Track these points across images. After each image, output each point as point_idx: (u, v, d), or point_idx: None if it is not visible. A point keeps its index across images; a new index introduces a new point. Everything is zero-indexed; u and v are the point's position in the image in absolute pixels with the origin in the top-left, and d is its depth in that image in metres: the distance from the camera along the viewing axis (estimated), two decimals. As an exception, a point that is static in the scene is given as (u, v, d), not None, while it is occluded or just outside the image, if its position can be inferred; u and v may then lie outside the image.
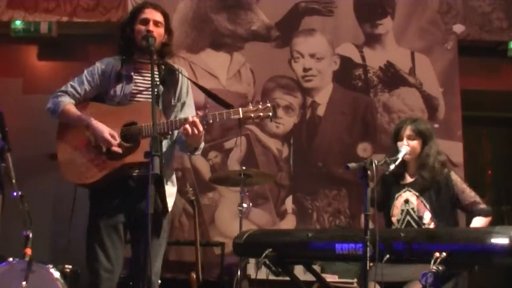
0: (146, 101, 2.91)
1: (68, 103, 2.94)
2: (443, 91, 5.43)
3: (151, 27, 2.92)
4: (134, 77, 2.96)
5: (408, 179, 3.48)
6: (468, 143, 5.59)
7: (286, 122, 5.43)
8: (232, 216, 4.81)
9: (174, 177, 3.04)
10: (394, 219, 3.46)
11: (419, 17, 5.55)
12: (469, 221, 3.46)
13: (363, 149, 5.37)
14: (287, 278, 3.20)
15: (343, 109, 5.45)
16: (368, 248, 2.52)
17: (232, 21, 5.56)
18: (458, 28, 5.53)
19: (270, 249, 2.94)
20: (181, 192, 5.16)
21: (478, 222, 3.33)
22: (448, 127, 5.35)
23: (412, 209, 3.41)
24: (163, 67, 3.00)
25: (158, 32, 2.94)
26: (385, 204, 3.51)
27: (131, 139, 2.84)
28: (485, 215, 3.34)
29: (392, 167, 3.11)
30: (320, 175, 5.34)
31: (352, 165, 2.67)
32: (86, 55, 5.53)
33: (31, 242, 3.24)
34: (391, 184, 3.51)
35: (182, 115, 2.98)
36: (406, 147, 3.36)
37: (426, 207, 3.38)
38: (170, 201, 2.93)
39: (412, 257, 2.60)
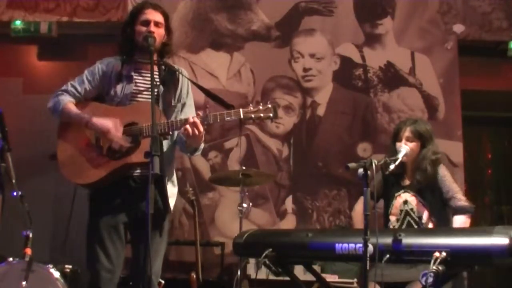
0: (146, 101, 2.90)
1: (68, 102, 2.93)
2: (443, 91, 5.43)
3: (152, 28, 2.93)
4: (135, 77, 2.96)
5: (407, 180, 3.48)
6: (468, 143, 5.59)
7: (286, 122, 5.43)
8: (232, 216, 4.81)
9: (175, 178, 3.04)
10: (393, 218, 3.47)
11: (419, 17, 5.55)
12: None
13: (363, 149, 5.36)
14: (287, 278, 3.19)
15: (343, 109, 5.45)
16: (368, 248, 2.52)
17: (232, 21, 5.56)
18: (458, 28, 5.52)
19: (270, 249, 2.94)
20: (181, 192, 5.15)
21: (457, 222, 3.31)
22: (448, 127, 5.35)
23: (412, 209, 3.42)
24: (163, 67, 3.00)
25: (159, 33, 2.94)
26: (383, 197, 3.52)
27: (132, 139, 2.84)
28: (464, 213, 3.32)
29: (392, 167, 3.12)
30: (320, 175, 5.34)
31: (352, 165, 2.68)
32: (86, 55, 5.53)
33: (31, 242, 3.24)
34: (391, 183, 3.52)
35: (182, 116, 2.98)
36: (406, 147, 3.36)
37: (425, 206, 3.39)
38: (171, 201, 2.94)
39: (412, 257, 2.60)
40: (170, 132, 2.88)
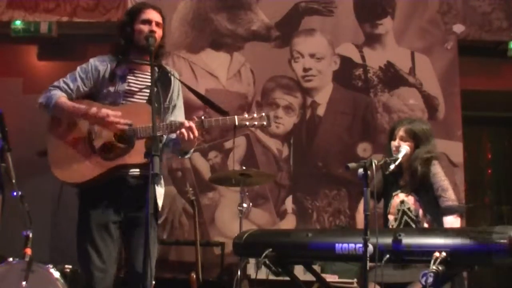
0: (142, 103, 2.92)
1: (60, 96, 2.88)
2: (443, 91, 5.43)
3: (154, 27, 2.93)
4: (128, 77, 2.95)
5: (403, 180, 3.48)
6: (468, 143, 5.59)
7: (286, 122, 5.43)
8: (232, 216, 4.81)
9: (162, 180, 3.03)
10: (391, 218, 3.47)
11: (419, 17, 5.55)
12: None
13: (363, 149, 5.37)
14: (287, 278, 3.19)
15: (343, 109, 5.45)
16: (368, 248, 2.52)
17: (232, 21, 5.56)
18: (458, 28, 5.52)
19: (270, 249, 2.94)
20: (181, 192, 5.18)
21: (446, 223, 3.30)
22: (448, 127, 5.35)
23: (409, 209, 3.42)
24: (156, 69, 2.99)
25: (159, 34, 2.95)
26: (383, 196, 3.52)
27: (126, 140, 2.83)
28: (451, 213, 3.30)
29: (392, 167, 3.12)
30: (320, 175, 5.34)
31: (352, 165, 2.68)
32: (86, 55, 5.51)
33: (31, 242, 3.24)
34: (390, 183, 3.52)
35: (172, 118, 3.00)
36: (406, 147, 3.36)
37: (420, 205, 3.39)
38: (159, 202, 2.94)
39: (412, 257, 2.60)
40: (166, 135, 2.88)
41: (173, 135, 2.92)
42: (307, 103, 5.46)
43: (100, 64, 2.96)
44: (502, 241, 2.34)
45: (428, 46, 5.51)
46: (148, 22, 2.94)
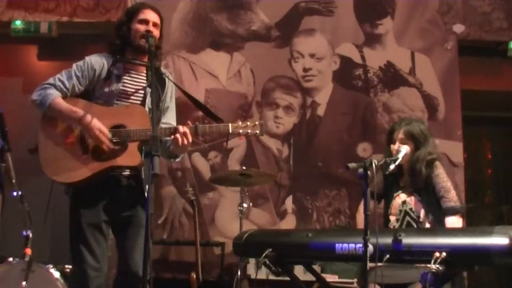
0: (136, 104, 2.92)
1: (56, 96, 2.86)
2: (443, 91, 5.43)
3: (151, 28, 2.93)
4: (123, 77, 2.94)
5: (403, 181, 3.48)
6: (468, 143, 5.59)
7: (286, 122, 5.43)
8: (232, 216, 4.80)
9: None
10: (393, 218, 3.47)
11: (419, 17, 5.55)
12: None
13: (363, 149, 5.36)
14: (287, 278, 3.20)
15: (343, 109, 5.45)
16: (368, 248, 2.52)
17: (232, 21, 5.56)
18: (458, 28, 5.52)
19: (270, 249, 2.94)
20: (181, 192, 5.18)
21: (448, 223, 3.29)
22: (448, 127, 5.35)
23: (411, 209, 3.42)
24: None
25: (156, 34, 2.95)
26: (383, 197, 3.52)
27: (119, 142, 2.83)
28: (453, 214, 3.29)
29: (392, 167, 3.12)
30: (320, 175, 5.33)
31: (352, 165, 2.68)
32: (85, 55, 5.48)
33: (31, 242, 3.24)
34: (391, 183, 3.52)
35: (164, 119, 3.01)
36: (406, 147, 3.35)
37: (422, 206, 3.39)
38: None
39: (412, 257, 2.60)
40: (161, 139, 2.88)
41: (166, 138, 2.92)
42: (307, 103, 5.46)
43: (96, 63, 2.94)
44: (502, 241, 2.34)
45: (428, 46, 5.51)
46: (145, 22, 2.94)
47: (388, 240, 2.60)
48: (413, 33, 5.53)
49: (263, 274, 3.16)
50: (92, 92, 2.92)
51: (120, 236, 2.92)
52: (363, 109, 5.44)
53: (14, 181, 3.11)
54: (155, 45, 2.90)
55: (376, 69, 5.49)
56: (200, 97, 5.25)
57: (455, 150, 5.29)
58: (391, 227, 3.46)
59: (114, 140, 2.82)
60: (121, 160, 2.81)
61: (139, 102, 2.93)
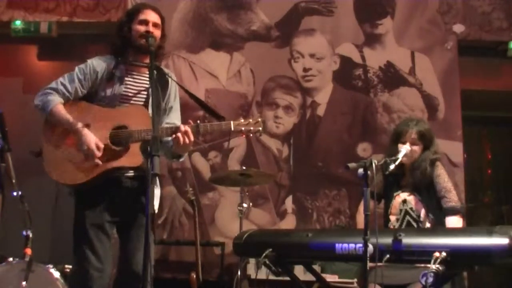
0: (138, 105, 2.92)
1: (57, 103, 2.87)
2: (443, 91, 5.43)
3: (151, 28, 2.93)
4: (126, 79, 2.94)
5: (405, 181, 3.48)
6: (468, 143, 5.59)
7: (286, 122, 5.43)
8: (232, 216, 4.81)
9: (157, 180, 3.03)
10: (393, 218, 3.47)
11: (419, 17, 5.54)
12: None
13: (363, 149, 5.36)
14: (287, 278, 3.20)
15: (343, 109, 5.44)
16: (368, 248, 2.53)
17: (232, 21, 5.56)
18: (458, 28, 5.52)
19: (270, 249, 2.94)
20: (181, 192, 5.18)
21: (449, 223, 3.29)
22: (448, 127, 5.35)
23: (411, 208, 3.42)
24: (155, 70, 2.99)
25: (156, 34, 2.95)
26: (383, 197, 3.52)
27: (121, 143, 2.83)
28: (454, 214, 3.30)
29: (392, 167, 3.12)
30: (320, 175, 5.33)
31: (352, 165, 2.68)
32: (85, 55, 5.48)
33: (31, 242, 3.24)
34: (391, 183, 3.52)
35: (168, 120, 3.00)
36: (406, 147, 3.35)
37: (423, 205, 3.39)
38: (156, 203, 2.93)
39: (412, 257, 2.60)
40: (162, 139, 2.88)
41: (168, 138, 2.92)
42: (307, 103, 5.46)
43: (98, 65, 2.95)
44: (502, 241, 2.34)
45: (428, 46, 5.50)
46: (145, 22, 2.94)
47: (388, 240, 2.60)
48: (413, 33, 5.53)
49: (263, 274, 3.16)
50: (95, 94, 2.93)
51: (123, 237, 2.93)
52: (363, 109, 5.44)
53: (14, 181, 3.11)
54: (157, 45, 2.91)
55: (376, 69, 5.49)
56: (200, 97, 5.23)
57: (455, 150, 5.28)
58: (391, 227, 3.46)
59: (115, 141, 2.82)
60: (123, 161, 2.82)
61: (141, 103, 2.94)
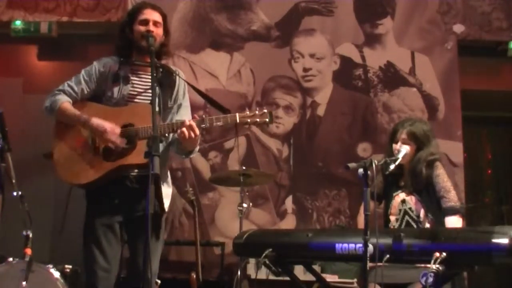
0: (144, 103, 2.92)
1: (65, 101, 2.92)
2: (443, 91, 5.43)
3: (151, 27, 2.93)
4: (132, 78, 2.96)
5: (404, 181, 3.48)
6: (468, 143, 5.59)
7: (286, 122, 5.43)
8: (232, 216, 4.81)
9: (169, 179, 3.04)
10: (392, 218, 3.47)
11: (419, 17, 5.55)
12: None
13: (363, 149, 5.37)
14: (287, 278, 3.19)
15: (343, 109, 5.45)
16: (368, 248, 2.52)
17: (232, 21, 5.56)
18: (458, 28, 5.52)
19: (270, 249, 2.94)
20: (181, 192, 5.18)
21: (449, 223, 3.29)
22: (448, 127, 5.35)
23: (410, 208, 3.42)
24: (160, 69, 2.99)
25: (158, 33, 2.95)
26: (384, 198, 3.52)
27: (128, 141, 2.84)
28: (454, 214, 3.29)
29: (392, 167, 3.12)
30: (320, 175, 5.33)
31: (352, 165, 2.68)
32: (86, 55, 5.53)
33: (31, 242, 3.24)
34: (390, 183, 3.52)
35: (177, 117, 3.00)
36: (406, 147, 3.36)
37: (422, 205, 3.39)
38: (166, 202, 2.94)
39: (412, 257, 2.60)
40: (167, 135, 2.88)
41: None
42: (307, 103, 5.46)
43: (103, 66, 2.98)
44: (502, 241, 2.34)
45: (428, 46, 5.50)
46: (145, 22, 2.95)
47: (388, 240, 2.60)
48: (413, 33, 5.53)
49: (263, 274, 3.17)
50: (102, 94, 2.96)
51: (132, 237, 2.93)
52: (363, 109, 5.44)
53: (14, 181, 3.12)
54: (159, 43, 2.93)
55: (376, 69, 5.49)
56: (200, 97, 5.24)
57: (455, 150, 5.29)
58: (391, 227, 3.46)
59: (123, 140, 2.84)
60: (130, 159, 2.82)
61: (148, 101, 2.93)
